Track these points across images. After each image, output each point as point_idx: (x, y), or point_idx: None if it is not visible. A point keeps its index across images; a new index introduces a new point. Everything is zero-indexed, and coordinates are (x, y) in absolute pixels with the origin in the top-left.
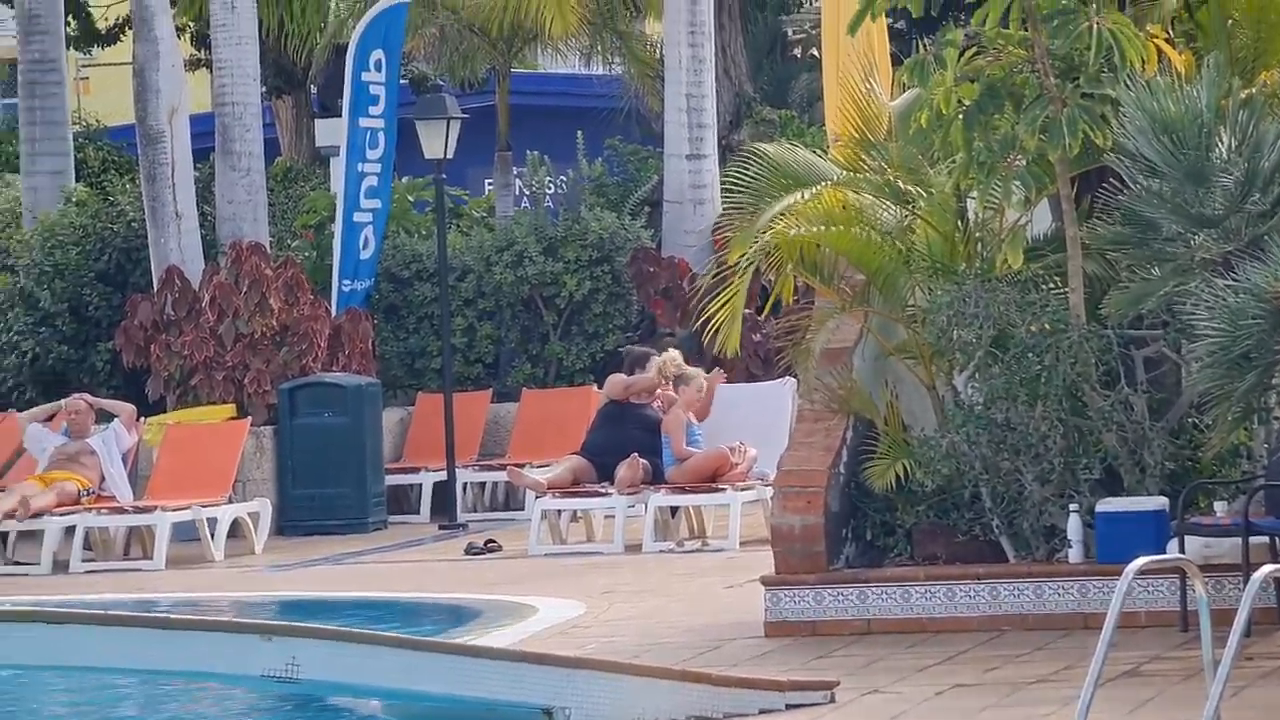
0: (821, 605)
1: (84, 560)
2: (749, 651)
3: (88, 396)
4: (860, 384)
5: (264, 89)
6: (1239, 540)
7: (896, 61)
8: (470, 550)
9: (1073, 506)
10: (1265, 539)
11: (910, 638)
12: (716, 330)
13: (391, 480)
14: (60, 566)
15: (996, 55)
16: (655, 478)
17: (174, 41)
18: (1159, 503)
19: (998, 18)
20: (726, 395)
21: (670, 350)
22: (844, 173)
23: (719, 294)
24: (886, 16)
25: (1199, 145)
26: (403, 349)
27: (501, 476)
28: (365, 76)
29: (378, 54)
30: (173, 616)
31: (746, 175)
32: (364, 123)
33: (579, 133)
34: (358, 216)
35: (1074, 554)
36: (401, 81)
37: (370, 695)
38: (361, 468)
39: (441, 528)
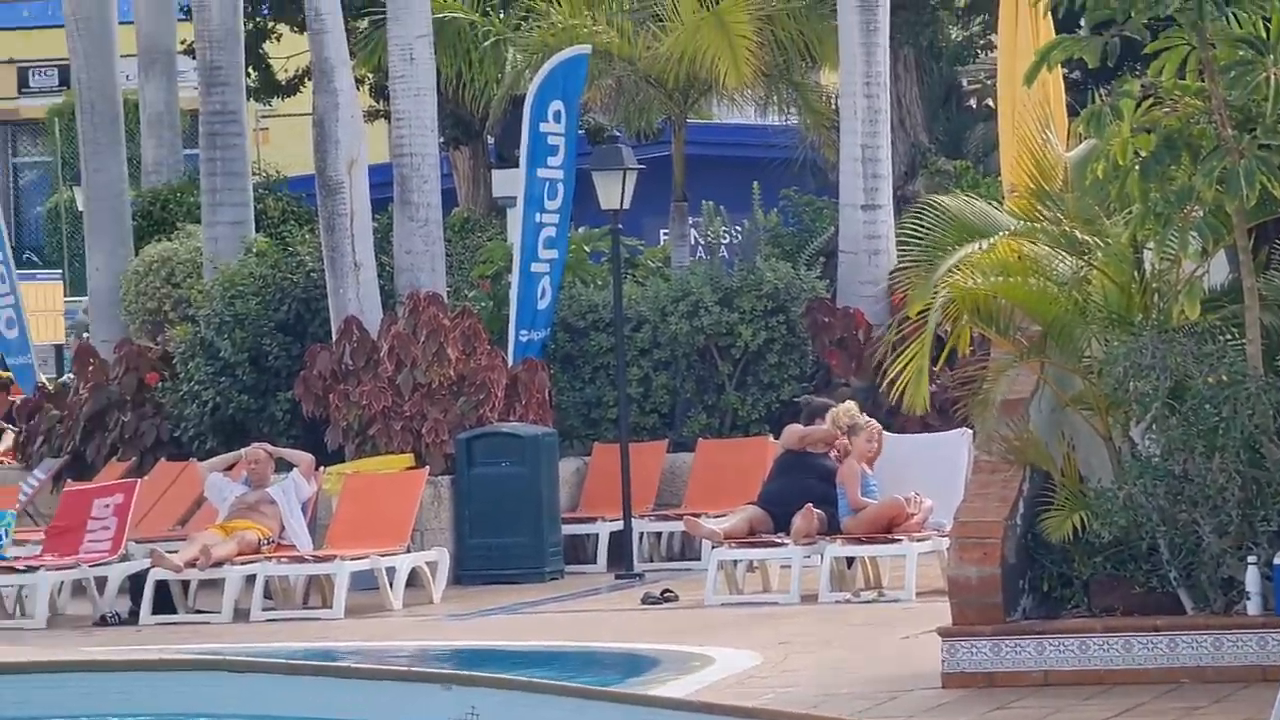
0: (999, 656)
1: (264, 609)
2: (926, 703)
3: (267, 446)
4: (1037, 435)
5: (441, 140)
6: None
7: (1072, 112)
8: (647, 600)
9: (1251, 559)
10: None
11: (1087, 689)
12: (903, 389)
13: (568, 530)
14: (241, 615)
15: (1173, 106)
16: (831, 528)
17: (353, 93)
18: None
19: (1175, 69)
20: (902, 446)
21: (846, 401)
22: (1020, 223)
23: (901, 350)
24: (1062, 67)
25: None
26: (579, 399)
27: (678, 526)
28: (543, 127)
29: (556, 104)
30: (352, 665)
31: (922, 226)
32: (542, 173)
33: (754, 183)
34: (535, 267)
35: (1253, 606)
36: (578, 132)
37: None
38: (538, 517)
39: (618, 577)
